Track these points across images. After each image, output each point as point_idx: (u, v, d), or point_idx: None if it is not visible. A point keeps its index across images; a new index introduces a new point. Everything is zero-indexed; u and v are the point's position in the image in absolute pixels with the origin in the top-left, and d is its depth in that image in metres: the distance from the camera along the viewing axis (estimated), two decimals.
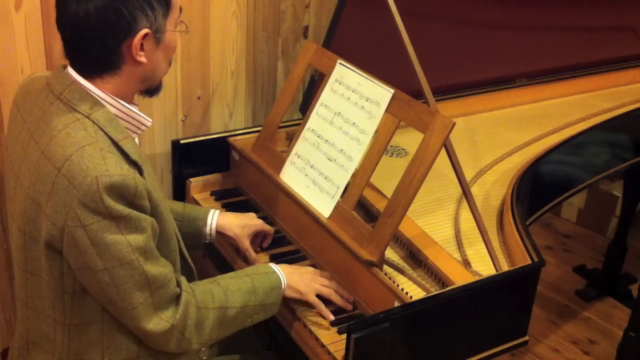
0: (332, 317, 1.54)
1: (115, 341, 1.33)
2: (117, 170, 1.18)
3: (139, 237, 1.22)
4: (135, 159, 1.25)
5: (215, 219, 1.70)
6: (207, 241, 1.73)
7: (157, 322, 1.27)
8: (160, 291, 1.26)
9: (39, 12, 1.77)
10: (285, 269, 1.53)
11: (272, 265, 1.52)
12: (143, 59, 1.27)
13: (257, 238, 1.77)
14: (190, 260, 1.47)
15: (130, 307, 1.24)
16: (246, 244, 1.71)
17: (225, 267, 1.81)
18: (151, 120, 1.37)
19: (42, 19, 1.78)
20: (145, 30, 1.24)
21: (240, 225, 1.71)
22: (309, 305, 1.56)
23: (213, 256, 1.88)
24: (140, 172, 1.26)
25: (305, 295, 1.54)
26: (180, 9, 1.35)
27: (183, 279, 1.34)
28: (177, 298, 1.30)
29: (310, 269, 1.60)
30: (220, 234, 1.71)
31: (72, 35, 1.25)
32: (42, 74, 1.41)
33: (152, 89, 1.38)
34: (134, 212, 1.20)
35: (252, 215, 1.79)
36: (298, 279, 1.53)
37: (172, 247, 1.36)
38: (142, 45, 1.25)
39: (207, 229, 1.70)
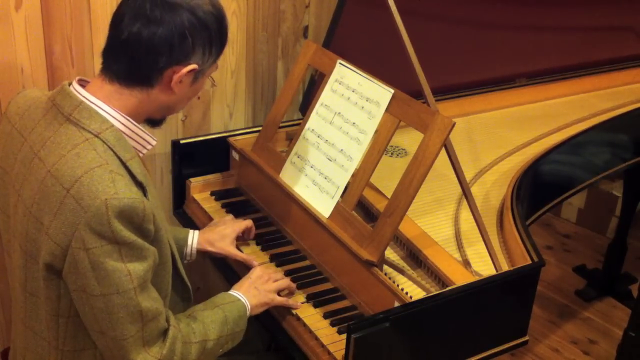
0: (299, 305, 1.58)
1: None
2: (126, 193, 1.18)
3: (140, 266, 1.21)
4: (141, 180, 1.25)
5: (196, 239, 1.71)
6: (186, 261, 1.72)
7: (145, 357, 1.26)
8: (151, 325, 1.26)
9: (39, 12, 1.77)
10: (242, 288, 1.54)
11: (234, 293, 1.52)
12: (176, 90, 1.29)
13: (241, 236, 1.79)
14: (187, 280, 1.48)
15: (121, 337, 1.23)
16: (234, 252, 1.72)
17: (224, 266, 1.82)
18: (156, 140, 1.37)
19: (42, 19, 1.78)
20: (194, 66, 1.27)
21: (219, 239, 1.72)
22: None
23: (213, 256, 1.87)
24: (145, 193, 1.25)
25: (270, 304, 1.55)
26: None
27: (170, 314, 1.33)
28: (164, 333, 1.30)
29: (257, 271, 1.58)
30: (203, 252, 1.72)
31: (127, 46, 1.24)
32: (38, 92, 1.40)
33: (158, 120, 1.39)
34: (138, 241, 1.20)
35: (227, 220, 1.78)
36: (256, 293, 1.53)
37: (167, 269, 1.35)
38: (183, 77, 1.28)
39: (188, 249, 1.70)
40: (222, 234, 1.73)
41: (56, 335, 1.30)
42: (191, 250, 1.70)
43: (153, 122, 1.39)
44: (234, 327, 1.45)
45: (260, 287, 1.55)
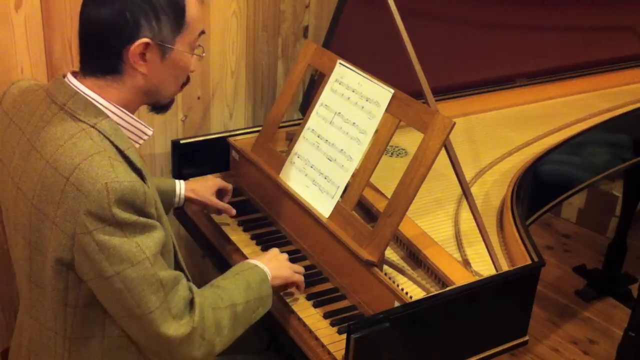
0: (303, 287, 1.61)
1: (116, 357, 1.32)
2: (126, 177, 1.18)
3: (147, 239, 1.21)
4: (139, 168, 1.25)
5: (183, 188, 1.81)
6: (174, 207, 1.84)
7: (178, 328, 1.25)
8: (173, 294, 1.25)
9: (39, 12, 1.77)
10: (263, 260, 1.55)
11: (251, 261, 1.53)
12: (143, 69, 1.27)
13: (217, 196, 1.87)
14: (187, 272, 1.47)
15: (147, 311, 1.22)
16: (215, 200, 1.84)
17: (224, 266, 1.81)
18: (152, 130, 1.37)
19: (42, 19, 1.78)
20: (145, 40, 1.24)
21: (203, 188, 1.83)
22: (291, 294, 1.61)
23: (213, 256, 1.88)
24: (144, 181, 1.25)
25: (290, 278, 1.57)
26: (202, 32, 1.35)
27: (191, 284, 1.34)
28: (191, 302, 1.29)
29: (276, 250, 1.61)
30: (188, 200, 1.82)
31: (82, 35, 1.28)
32: (33, 83, 1.40)
33: (159, 105, 1.38)
34: (141, 219, 1.20)
35: (209, 177, 1.90)
36: (278, 265, 1.55)
37: (170, 260, 1.36)
38: (144, 55, 1.26)
39: (177, 199, 1.80)
40: (205, 185, 1.84)
41: (64, 324, 1.30)
42: (179, 199, 1.80)
43: (155, 108, 1.38)
44: (259, 292, 1.45)
45: (281, 261, 1.57)
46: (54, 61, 1.84)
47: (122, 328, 1.29)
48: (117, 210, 1.17)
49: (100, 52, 1.26)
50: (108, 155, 1.20)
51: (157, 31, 1.26)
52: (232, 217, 1.88)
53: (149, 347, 1.31)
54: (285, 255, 1.60)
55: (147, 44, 1.25)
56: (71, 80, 1.29)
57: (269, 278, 1.50)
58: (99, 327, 1.30)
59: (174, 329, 1.25)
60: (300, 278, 1.59)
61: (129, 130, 1.31)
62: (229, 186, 1.88)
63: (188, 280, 1.48)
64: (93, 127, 1.24)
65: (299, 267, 1.61)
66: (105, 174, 1.17)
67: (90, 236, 1.17)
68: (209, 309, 1.31)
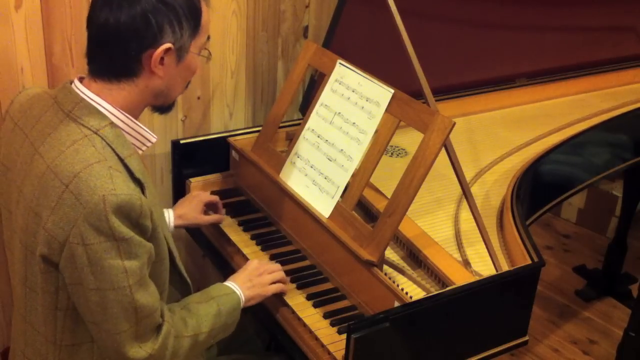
0: (287, 289, 1.62)
1: None
2: (123, 189, 1.19)
3: (136, 263, 1.22)
4: (139, 177, 1.26)
5: (172, 218, 1.80)
6: None
7: (137, 351, 1.27)
8: (145, 321, 1.27)
9: (39, 12, 1.77)
10: (239, 280, 1.55)
11: (230, 285, 1.54)
12: (160, 73, 1.28)
13: (208, 209, 1.88)
14: (186, 275, 1.49)
15: (115, 331, 1.25)
16: (205, 218, 1.84)
17: (224, 266, 1.82)
18: (156, 137, 1.37)
19: (42, 19, 1.78)
20: (168, 45, 1.26)
21: (190, 211, 1.82)
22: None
23: (212, 256, 1.88)
24: (143, 190, 1.26)
25: (265, 294, 1.57)
26: (208, 37, 1.36)
27: (165, 308, 1.35)
28: (158, 328, 1.31)
29: (254, 264, 1.61)
30: (178, 227, 1.82)
31: (98, 38, 1.27)
32: (40, 90, 1.41)
33: (164, 107, 1.39)
34: (136, 237, 1.21)
35: (193, 195, 1.88)
36: (250, 285, 1.56)
37: (164, 266, 1.36)
38: (162, 59, 1.27)
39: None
40: (191, 205, 1.83)
41: (54, 329, 1.31)
42: (169, 229, 1.77)
43: (159, 109, 1.39)
44: (227, 319, 1.47)
45: (254, 279, 1.57)
46: (54, 61, 1.84)
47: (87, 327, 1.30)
48: (114, 222, 1.17)
49: (118, 56, 1.26)
50: (108, 165, 1.21)
51: (179, 36, 1.27)
52: (232, 217, 1.88)
53: (105, 350, 1.32)
54: (262, 269, 1.60)
55: (168, 49, 1.26)
56: (78, 86, 1.30)
57: (242, 304, 1.51)
58: (89, 333, 1.31)
59: (134, 351, 1.27)
60: (277, 288, 1.59)
61: (132, 136, 1.32)
62: (216, 198, 1.88)
63: (188, 285, 1.49)
64: (96, 133, 1.25)
65: (277, 275, 1.61)
66: (103, 185, 1.18)
67: (84, 248, 1.18)
68: (172, 338, 1.33)
